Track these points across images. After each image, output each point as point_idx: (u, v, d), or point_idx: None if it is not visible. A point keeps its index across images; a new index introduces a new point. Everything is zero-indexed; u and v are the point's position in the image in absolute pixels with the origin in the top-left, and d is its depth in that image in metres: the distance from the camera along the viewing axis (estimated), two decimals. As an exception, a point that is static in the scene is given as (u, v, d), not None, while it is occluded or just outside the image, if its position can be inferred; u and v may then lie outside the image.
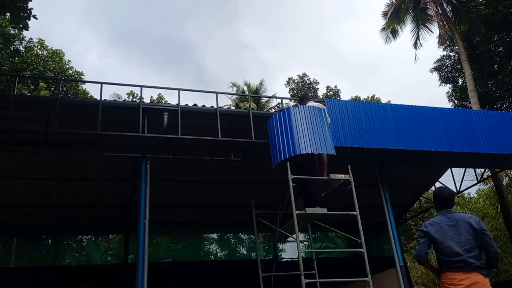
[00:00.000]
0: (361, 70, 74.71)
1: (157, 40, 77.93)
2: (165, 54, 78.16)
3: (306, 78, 31.84)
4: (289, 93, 30.69)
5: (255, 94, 25.38)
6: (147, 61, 74.15)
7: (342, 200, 7.68)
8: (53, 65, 21.64)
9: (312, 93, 29.21)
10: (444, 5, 19.14)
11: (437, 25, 19.36)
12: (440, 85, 23.40)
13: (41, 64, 20.70)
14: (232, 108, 20.10)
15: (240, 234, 15.24)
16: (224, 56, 78.22)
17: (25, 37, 19.63)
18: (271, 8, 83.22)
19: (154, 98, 27.65)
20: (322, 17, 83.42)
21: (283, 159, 7.39)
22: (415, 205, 15.87)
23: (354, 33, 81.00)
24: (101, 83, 7.84)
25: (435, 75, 23.41)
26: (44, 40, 21.96)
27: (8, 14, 7.31)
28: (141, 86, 8.26)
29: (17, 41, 18.97)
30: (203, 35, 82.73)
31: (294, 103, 8.49)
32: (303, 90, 29.50)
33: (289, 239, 9.25)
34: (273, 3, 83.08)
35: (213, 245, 15.23)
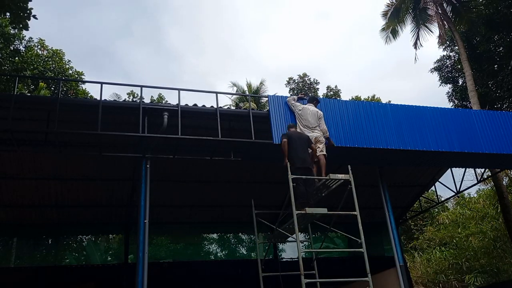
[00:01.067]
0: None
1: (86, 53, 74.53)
2: (94, 67, 75.48)
3: (306, 78, 31.83)
4: (289, 93, 30.66)
5: (255, 94, 25.38)
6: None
7: (342, 200, 7.68)
8: (53, 65, 21.59)
9: (313, 93, 29.18)
10: (444, 5, 19.14)
11: (437, 25, 19.34)
12: (440, 85, 23.43)
13: (41, 64, 20.64)
14: (232, 108, 20.10)
15: (240, 234, 15.24)
16: (154, 66, 77.31)
17: (25, 37, 19.61)
18: (194, 18, 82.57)
19: (155, 98, 27.64)
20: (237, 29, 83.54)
21: None
22: (415, 205, 15.86)
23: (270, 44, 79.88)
24: (101, 83, 7.85)
25: (435, 75, 23.46)
26: (44, 40, 21.97)
27: (8, 14, 7.32)
28: (141, 86, 8.30)
29: (17, 41, 18.90)
30: (130, 46, 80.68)
31: (303, 93, 8.58)
32: (303, 90, 29.51)
33: (289, 239, 9.24)
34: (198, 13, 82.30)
35: (213, 245, 15.22)
